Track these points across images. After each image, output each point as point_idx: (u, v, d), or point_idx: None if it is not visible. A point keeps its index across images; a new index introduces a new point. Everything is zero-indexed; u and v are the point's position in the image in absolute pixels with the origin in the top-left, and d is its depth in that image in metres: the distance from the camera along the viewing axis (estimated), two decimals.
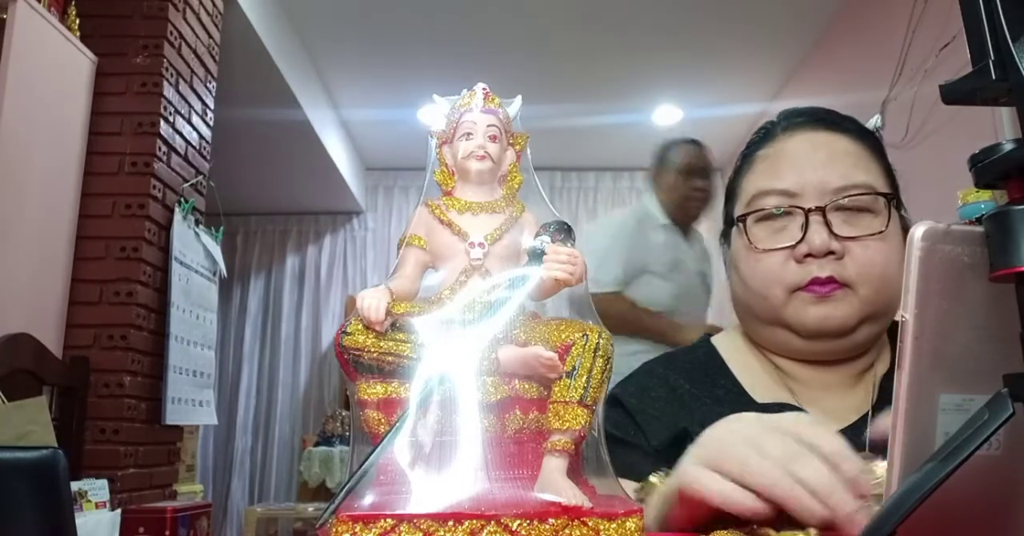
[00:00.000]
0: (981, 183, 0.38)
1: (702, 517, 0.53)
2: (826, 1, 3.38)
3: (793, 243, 0.82)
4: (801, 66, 3.92)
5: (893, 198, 0.83)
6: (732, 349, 0.93)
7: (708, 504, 0.51)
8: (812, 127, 0.88)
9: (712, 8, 3.41)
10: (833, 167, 0.83)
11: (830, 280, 0.80)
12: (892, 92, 2.87)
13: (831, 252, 0.80)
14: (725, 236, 0.94)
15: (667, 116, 4.44)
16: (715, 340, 0.96)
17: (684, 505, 0.54)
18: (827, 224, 0.81)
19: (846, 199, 0.81)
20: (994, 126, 2.10)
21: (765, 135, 0.91)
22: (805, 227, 0.81)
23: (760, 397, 0.85)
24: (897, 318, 0.41)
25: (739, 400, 0.85)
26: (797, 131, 0.88)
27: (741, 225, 0.87)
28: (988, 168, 0.37)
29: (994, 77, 0.36)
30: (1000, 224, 0.36)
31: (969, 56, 0.37)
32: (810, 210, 0.82)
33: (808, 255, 0.80)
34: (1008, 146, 0.36)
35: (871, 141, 0.88)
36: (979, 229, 0.38)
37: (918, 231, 0.38)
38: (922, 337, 0.38)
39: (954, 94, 0.38)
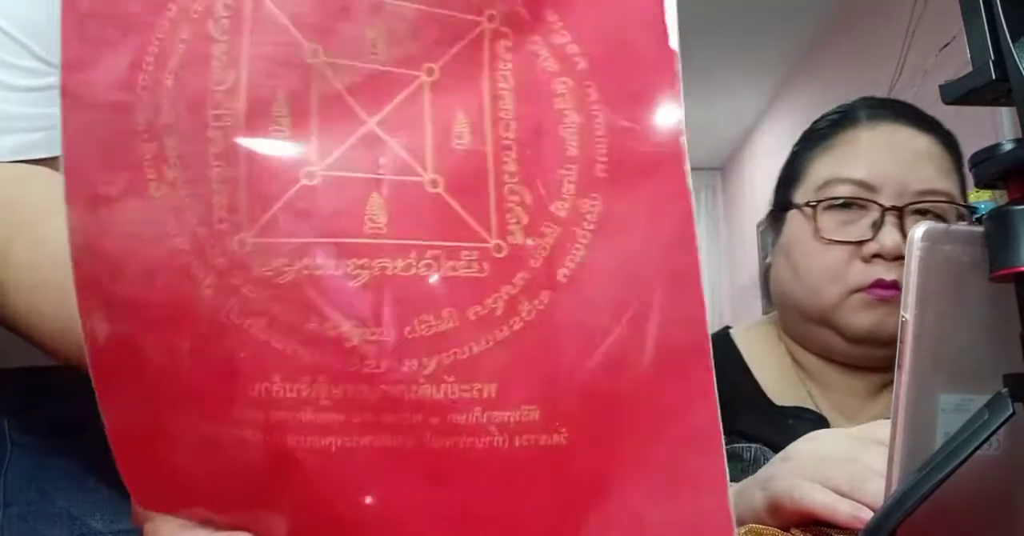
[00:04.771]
0: (981, 183, 0.38)
1: (789, 526, 0.54)
2: (826, 1, 3.39)
3: (863, 240, 0.78)
4: (801, 66, 3.92)
5: (972, 213, 0.81)
6: (754, 344, 0.88)
7: (811, 516, 0.52)
8: (902, 122, 0.83)
9: (711, 8, 3.41)
10: (917, 168, 0.79)
11: (894, 285, 0.76)
12: (892, 92, 2.87)
13: (900, 256, 0.76)
14: (775, 219, 0.88)
15: None
16: (736, 334, 0.91)
17: (777, 516, 0.54)
18: (901, 227, 0.77)
19: (926, 204, 0.78)
20: (994, 126, 2.11)
21: (844, 119, 0.85)
22: (879, 225, 0.77)
23: (778, 399, 0.83)
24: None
25: (757, 402, 0.83)
26: (882, 122, 0.83)
27: (811, 211, 0.81)
28: (988, 168, 0.37)
29: (994, 77, 0.36)
30: (1000, 224, 0.36)
31: (969, 56, 0.37)
32: (888, 208, 0.77)
33: (876, 255, 0.77)
34: (1008, 146, 0.36)
35: (956, 148, 0.84)
36: (979, 229, 0.38)
37: (918, 231, 0.38)
38: (922, 337, 0.38)
39: (954, 94, 0.38)
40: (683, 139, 0.34)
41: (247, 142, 0.30)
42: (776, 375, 0.85)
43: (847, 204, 0.80)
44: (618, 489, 0.33)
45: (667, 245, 0.33)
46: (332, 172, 0.31)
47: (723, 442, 0.33)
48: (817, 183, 0.82)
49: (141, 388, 0.32)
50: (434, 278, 0.31)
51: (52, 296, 0.45)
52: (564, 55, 0.33)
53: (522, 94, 0.33)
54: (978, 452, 0.35)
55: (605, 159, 0.33)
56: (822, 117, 0.88)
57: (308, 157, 0.31)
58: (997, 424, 0.35)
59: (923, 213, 0.78)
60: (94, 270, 0.31)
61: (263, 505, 0.32)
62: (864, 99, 0.89)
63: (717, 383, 1.00)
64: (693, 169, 0.33)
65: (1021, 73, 0.35)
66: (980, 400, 0.36)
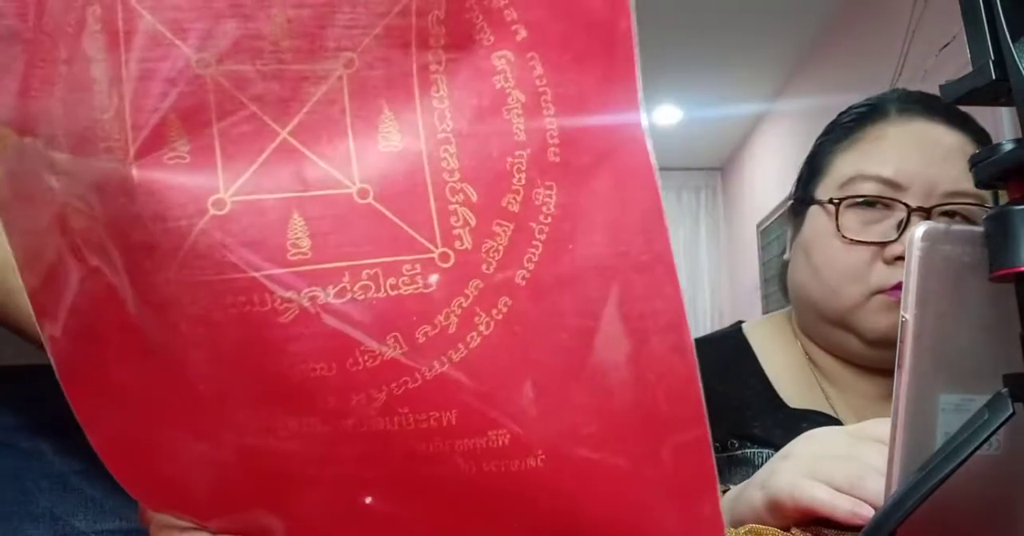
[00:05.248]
0: (981, 183, 0.38)
1: (789, 525, 0.54)
2: (826, 1, 3.39)
3: (887, 241, 0.74)
4: (801, 66, 3.92)
5: None
6: (768, 342, 0.85)
7: (811, 514, 0.51)
8: (934, 117, 0.79)
9: (712, 8, 3.41)
10: (947, 168, 0.75)
11: None
12: None
13: None
14: (795, 213, 0.84)
15: (667, 116, 4.44)
16: (748, 330, 0.87)
17: (777, 514, 0.54)
18: None
19: (955, 206, 0.74)
20: (994, 126, 2.11)
21: (872, 112, 0.81)
22: (904, 226, 0.74)
23: (792, 400, 0.81)
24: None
25: (770, 404, 0.81)
26: (912, 117, 0.79)
27: (833, 208, 0.77)
28: (988, 168, 0.37)
29: (994, 77, 0.36)
30: (1000, 224, 0.36)
31: (969, 56, 0.37)
32: (915, 209, 0.74)
33: (899, 257, 0.73)
34: (1008, 146, 0.36)
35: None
36: (979, 229, 0.38)
37: (918, 231, 0.38)
38: (922, 337, 0.38)
39: (954, 94, 0.38)
40: (642, 111, 0.30)
41: (143, 174, 0.26)
42: (791, 374, 0.82)
43: (871, 202, 0.76)
44: (603, 501, 0.31)
45: (634, 233, 0.30)
46: (244, 197, 0.27)
47: (711, 443, 0.31)
48: (841, 179, 0.79)
49: (119, 409, 0.31)
50: (374, 301, 0.27)
51: None
52: (502, 23, 0.29)
53: (457, 76, 0.28)
54: (978, 452, 0.35)
55: (556, 140, 0.29)
56: (848, 109, 0.84)
57: (214, 184, 0.26)
58: (997, 424, 0.35)
59: (951, 215, 0.75)
60: (46, 300, 0.29)
61: (249, 511, 0.31)
62: (894, 91, 0.85)
63: (729, 383, 0.93)
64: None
65: (1021, 73, 0.35)
66: (980, 400, 0.36)
